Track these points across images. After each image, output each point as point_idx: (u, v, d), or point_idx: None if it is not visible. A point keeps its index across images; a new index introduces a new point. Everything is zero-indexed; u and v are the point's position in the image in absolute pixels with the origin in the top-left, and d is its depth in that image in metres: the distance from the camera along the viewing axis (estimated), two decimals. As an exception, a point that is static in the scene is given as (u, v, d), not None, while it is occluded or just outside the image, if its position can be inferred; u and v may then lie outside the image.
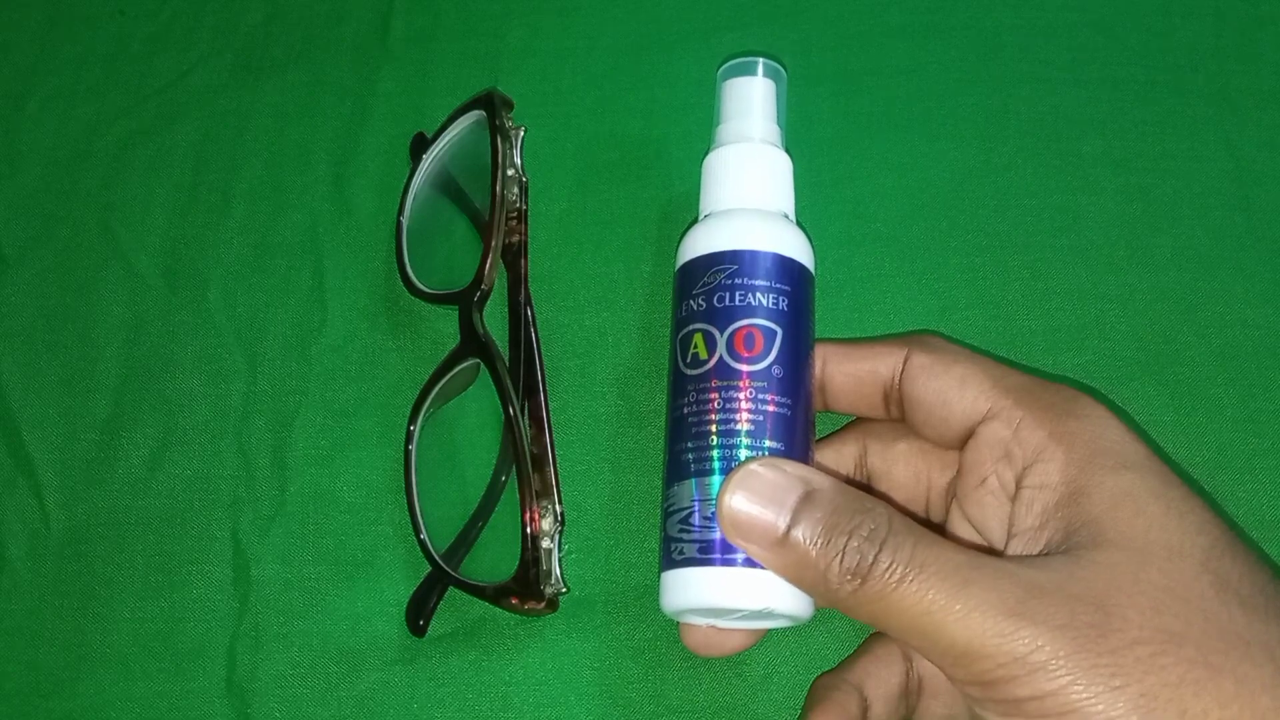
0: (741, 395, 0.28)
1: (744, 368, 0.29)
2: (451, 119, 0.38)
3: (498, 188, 0.36)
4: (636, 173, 0.39)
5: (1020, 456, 0.28)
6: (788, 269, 0.30)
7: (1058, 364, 0.36)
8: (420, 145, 0.39)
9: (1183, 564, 0.24)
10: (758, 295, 0.29)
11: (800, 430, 0.29)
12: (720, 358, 0.29)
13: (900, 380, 0.30)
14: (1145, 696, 0.22)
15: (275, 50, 0.42)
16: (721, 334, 0.29)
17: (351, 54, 0.42)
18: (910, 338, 0.31)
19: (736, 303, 0.29)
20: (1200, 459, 0.35)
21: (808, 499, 0.26)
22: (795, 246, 0.31)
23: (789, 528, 0.26)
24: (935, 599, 0.24)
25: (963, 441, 0.29)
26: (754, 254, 0.30)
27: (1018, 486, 0.27)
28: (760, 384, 0.29)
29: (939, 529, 0.31)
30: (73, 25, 0.43)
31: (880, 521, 0.25)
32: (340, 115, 0.41)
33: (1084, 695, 0.22)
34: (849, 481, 0.32)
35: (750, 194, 0.31)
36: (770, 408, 0.28)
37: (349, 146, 0.40)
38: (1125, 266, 0.37)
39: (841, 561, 0.25)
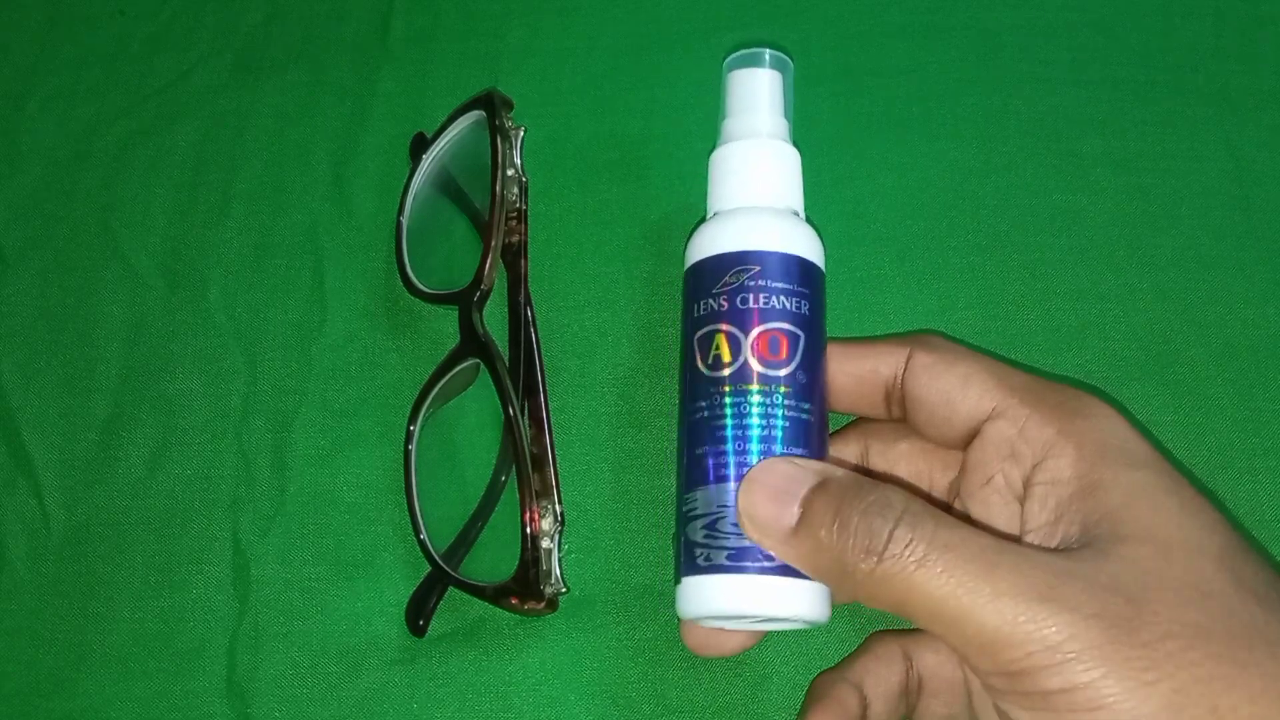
0: (767, 400, 0.28)
1: (769, 372, 0.29)
2: (451, 119, 0.38)
3: (498, 188, 0.36)
4: (636, 173, 0.39)
5: (1028, 455, 0.27)
6: (806, 271, 0.30)
7: (1058, 364, 0.36)
8: (420, 145, 0.39)
9: (1202, 560, 0.24)
10: (781, 298, 0.29)
11: (819, 435, 0.29)
12: (745, 361, 0.29)
13: (902, 379, 0.30)
14: (1178, 693, 0.22)
15: (275, 50, 0.42)
16: (746, 337, 0.29)
17: (351, 54, 0.42)
18: (911, 337, 0.31)
19: (761, 305, 0.29)
20: (1200, 459, 0.35)
21: (821, 487, 0.26)
22: (811, 247, 0.30)
23: (801, 514, 0.26)
24: (962, 581, 0.23)
25: (966, 441, 0.29)
26: (777, 256, 0.29)
27: (1027, 484, 0.27)
28: (784, 389, 0.28)
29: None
30: (73, 25, 0.43)
31: (895, 497, 0.25)
32: (340, 115, 0.41)
33: (1116, 690, 0.22)
34: (866, 474, 0.32)
35: (761, 192, 0.31)
36: (793, 413, 0.28)
37: (349, 146, 0.40)
38: (1125, 266, 0.37)
39: (854, 539, 0.25)
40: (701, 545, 0.28)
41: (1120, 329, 0.36)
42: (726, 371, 0.29)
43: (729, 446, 0.28)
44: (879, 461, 0.32)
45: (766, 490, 0.27)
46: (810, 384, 0.29)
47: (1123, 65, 0.40)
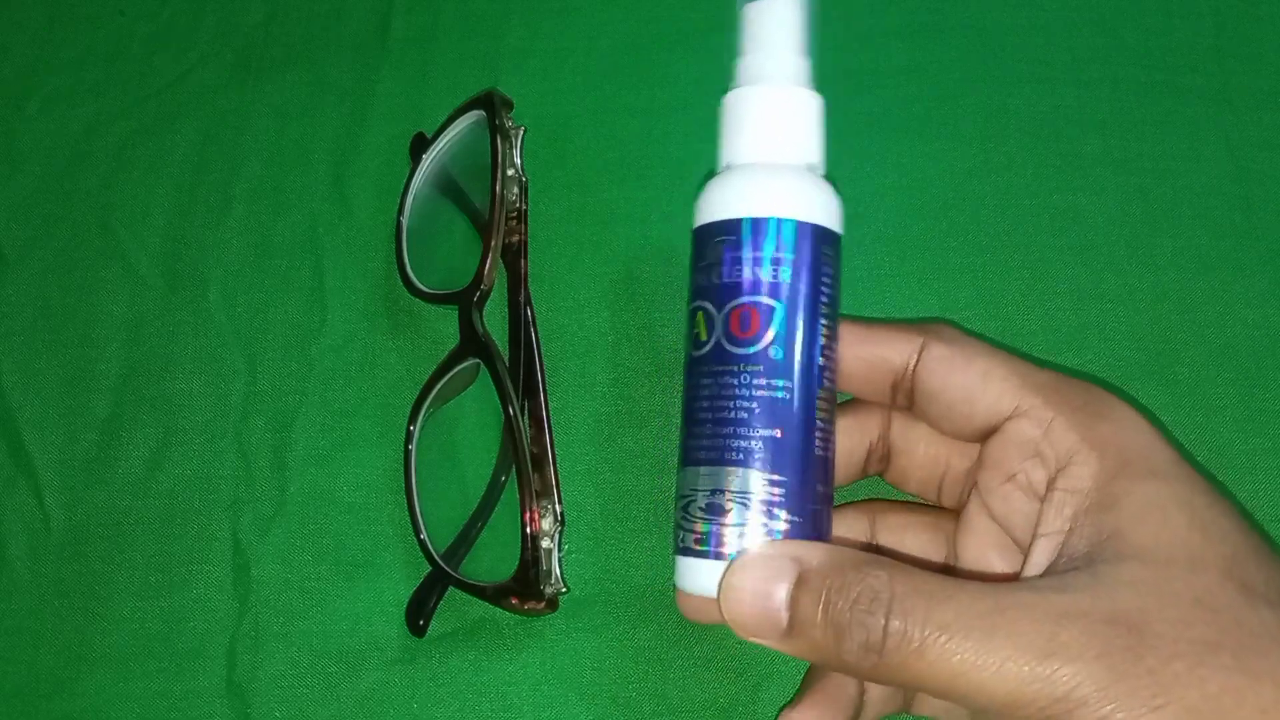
0: (736, 381, 0.27)
1: (739, 350, 0.27)
2: (451, 119, 0.38)
3: (498, 188, 0.36)
4: (636, 173, 0.39)
5: (1053, 458, 0.27)
6: (790, 232, 0.28)
7: (1058, 364, 0.36)
8: (420, 145, 0.39)
9: (1206, 575, 0.24)
10: (754, 268, 0.28)
11: (800, 412, 0.27)
12: (717, 340, 0.28)
13: (915, 371, 0.30)
14: (1188, 712, 0.22)
15: (275, 50, 0.42)
16: (719, 313, 0.28)
17: (351, 54, 0.42)
18: (923, 326, 0.30)
19: (732, 279, 0.28)
20: (1200, 458, 0.35)
21: (801, 582, 0.25)
22: (801, 205, 0.28)
23: (790, 617, 0.25)
24: (964, 658, 0.23)
25: (982, 436, 0.29)
26: (751, 221, 0.28)
27: (1049, 488, 0.27)
28: (755, 368, 0.27)
29: (944, 556, 0.31)
30: (73, 25, 0.43)
31: (880, 586, 0.24)
32: (340, 115, 0.41)
33: None
34: (871, 464, 0.32)
35: (763, 147, 0.29)
36: (765, 393, 0.27)
37: (349, 146, 0.40)
38: (1125, 266, 0.37)
39: (851, 639, 0.24)
40: (678, 526, 0.28)
41: (1120, 329, 0.36)
42: (703, 351, 0.28)
43: (702, 430, 0.28)
44: (899, 440, 0.31)
45: (746, 597, 0.26)
46: (789, 359, 0.27)
47: (1123, 65, 0.40)
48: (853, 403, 0.32)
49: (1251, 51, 0.41)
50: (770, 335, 0.27)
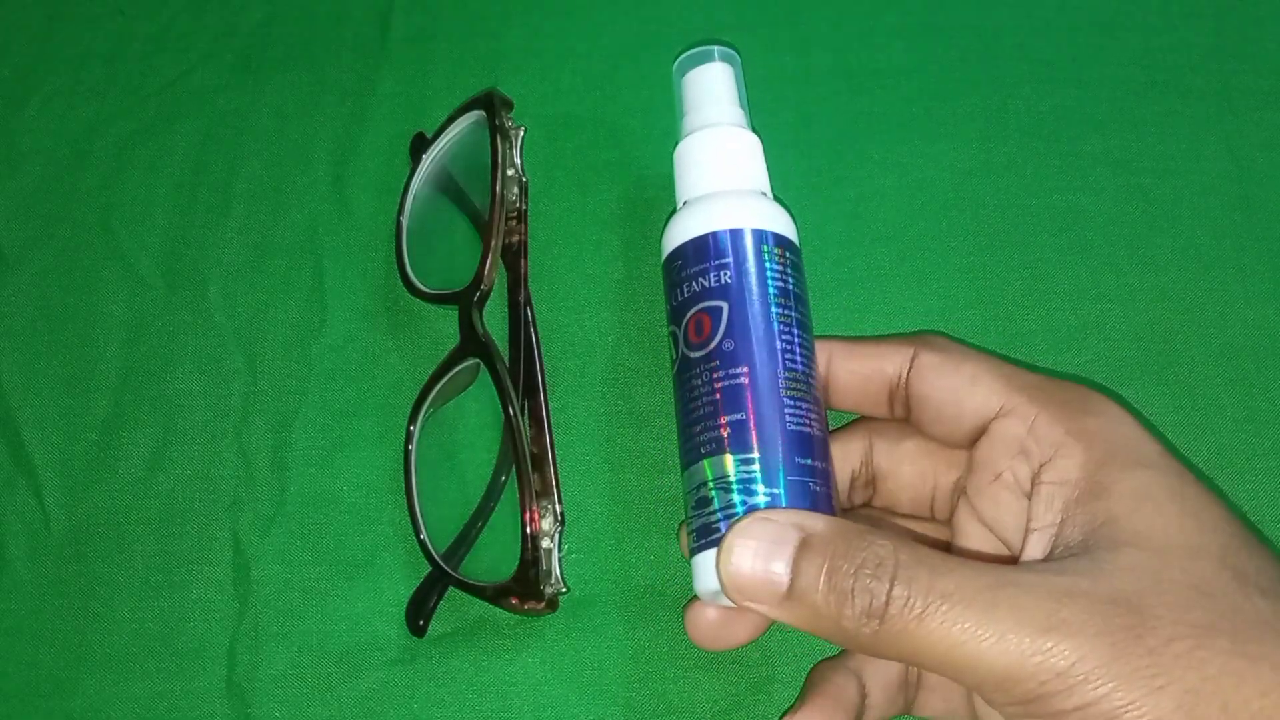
0: (699, 380, 0.29)
1: (698, 353, 0.29)
2: (451, 119, 0.38)
3: (497, 187, 0.36)
4: (636, 173, 0.39)
5: (1037, 453, 0.27)
6: (728, 240, 0.30)
7: (1058, 364, 0.36)
8: (420, 145, 0.39)
9: (1203, 562, 0.24)
10: (699, 280, 0.30)
11: (763, 392, 0.28)
12: (682, 352, 0.30)
13: (908, 379, 0.30)
14: (1188, 694, 0.22)
15: (275, 50, 0.42)
16: (680, 329, 0.30)
17: (351, 54, 0.42)
18: (915, 337, 0.31)
19: (687, 294, 0.30)
20: (1200, 459, 0.35)
21: (805, 546, 0.25)
22: (735, 216, 0.30)
23: (791, 581, 0.25)
24: (964, 628, 0.23)
25: (972, 440, 0.29)
26: (694, 241, 0.30)
27: (1035, 482, 0.27)
28: (713, 364, 0.29)
29: (943, 545, 0.31)
30: (73, 25, 0.43)
31: (885, 554, 0.24)
32: (340, 115, 0.41)
33: (1128, 699, 0.22)
34: (857, 493, 0.32)
35: (705, 180, 0.32)
36: (725, 383, 0.29)
37: (349, 146, 0.40)
38: (1125, 266, 0.37)
39: (854, 605, 0.24)
40: (688, 534, 0.29)
41: (1120, 329, 0.36)
42: (676, 367, 0.30)
43: (685, 433, 0.30)
44: (883, 461, 0.32)
45: (747, 560, 0.26)
46: (741, 347, 0.29)
47: (1123, 65, 0.40)
48: (832, 433, 0.32)
49: (1251, 51, 0.41)
50: (721, 332, 0.29)
